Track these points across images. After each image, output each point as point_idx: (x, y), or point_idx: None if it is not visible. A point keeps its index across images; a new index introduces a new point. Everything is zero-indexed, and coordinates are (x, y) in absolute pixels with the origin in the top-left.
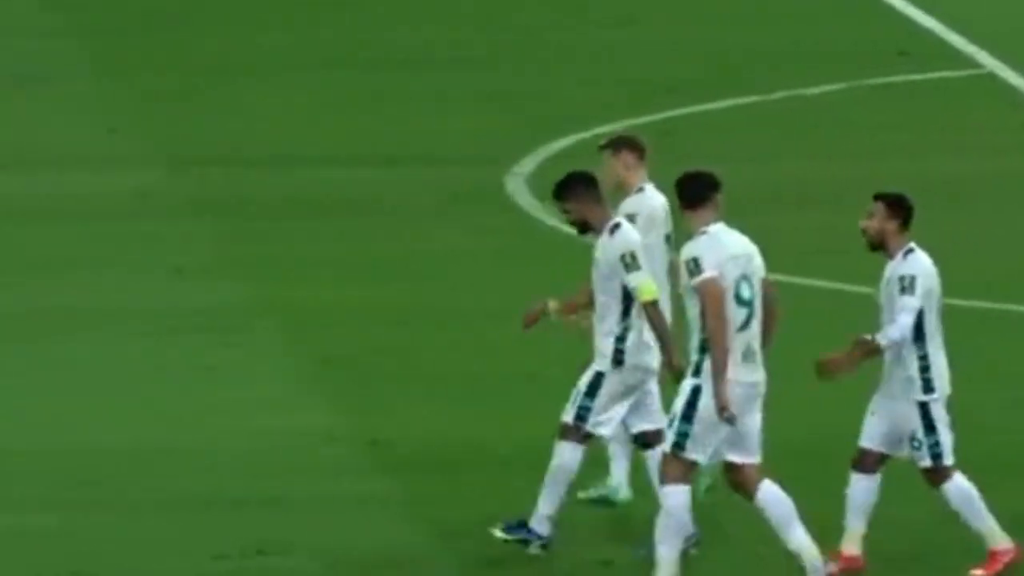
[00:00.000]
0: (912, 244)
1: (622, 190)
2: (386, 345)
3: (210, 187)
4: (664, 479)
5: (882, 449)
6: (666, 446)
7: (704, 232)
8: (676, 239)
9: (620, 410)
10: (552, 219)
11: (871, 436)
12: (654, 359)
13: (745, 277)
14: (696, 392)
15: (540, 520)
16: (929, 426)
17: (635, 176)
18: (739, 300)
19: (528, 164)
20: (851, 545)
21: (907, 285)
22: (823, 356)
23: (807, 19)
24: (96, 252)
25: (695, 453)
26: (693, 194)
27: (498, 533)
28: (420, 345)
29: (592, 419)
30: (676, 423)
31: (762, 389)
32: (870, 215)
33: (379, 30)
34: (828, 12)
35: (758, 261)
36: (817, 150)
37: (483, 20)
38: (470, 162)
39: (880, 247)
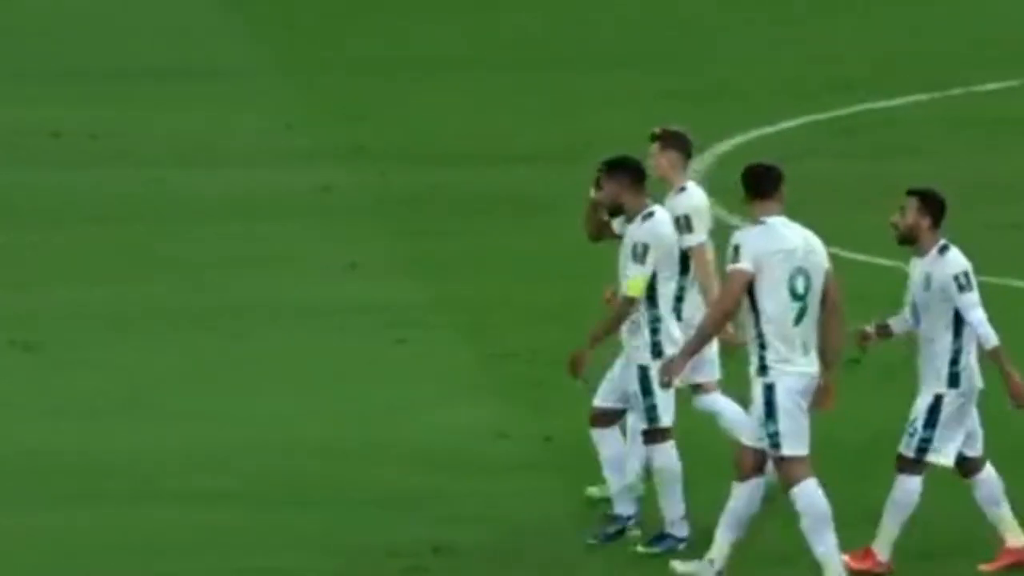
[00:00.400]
0: (944, 240)
1: (664, 183)
2: (559, 342)
3: (387, 184)
4: (786, 482)
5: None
6: (769, 450)
7: (762, 222)
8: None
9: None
10: (732, 216)
11: None
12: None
13: (801, 271)
14: (770, 390)
15: (673, 524)
16: (931, 420)
17: (679, 175)
18: (793, 294)
19: (704, 161)
20: (881, 548)
21: (964, 282)
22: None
23: (986, 17)
24: (275, 248)
25: (795, 449)
26: (761, 185)
27: (641, 549)
28: None
29: (660, 414)
30: (765, 427)
31: (813, 382)
32: (902, 211)
33: (554, 29)
34: (1009, 9)
35: (819, 257)
36: (994, 144)
37: (655, 18)
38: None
39: (911, 242)
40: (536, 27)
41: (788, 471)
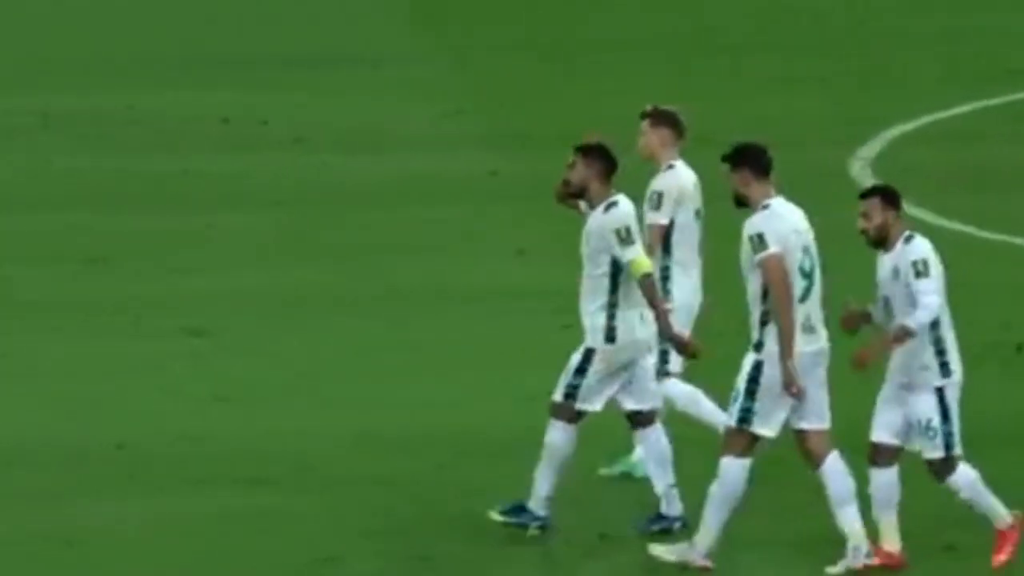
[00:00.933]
0: (908, 230)
1: (653, 162)
2: (724, 328)
3: (552, 169)
4: (726, 450)
5: (895, 442)
6: (730, 421)
7: (767, 206)
8: (707, 214)
9: (612, 387)
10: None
11: (882, 429)
12: (648, 335)
13: (806, 249)
14: (758, 368)
15: (538, 501)
16: (944, 413)
17: (668, 153)
18: (801, 272)
19: (873, 147)
20: (889, 541)
21: (921, 269)
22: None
23: None
24: (442, 234)
25: (761, 428)
26: (763, 164)
27: (496, 516)
28: None
29: (582, 396)
30: (740, 399)
31: (825, 358)
32: (865, 215)
33: (725, 15)
34: None
35: (811, 234)
36: None
37: (825, 6)
38: (814, 145)
39: (882, 243)
40: (705, 13)
41: (733, 441)
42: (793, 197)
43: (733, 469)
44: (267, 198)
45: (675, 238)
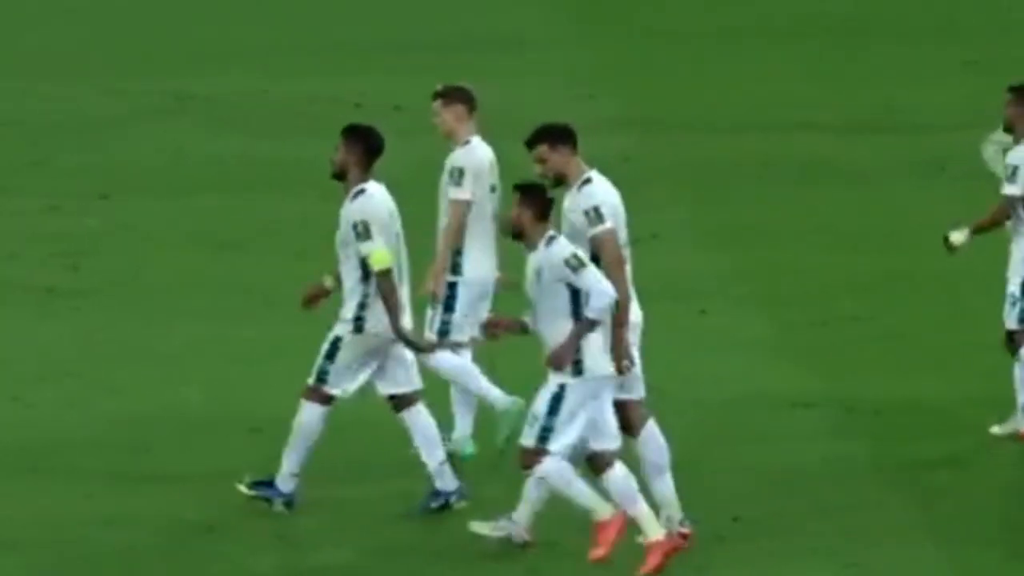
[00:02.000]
0: (553, 232)
1: (451, 140)
2: (859, 312)
3: (684, 153)
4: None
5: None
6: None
7: (589, 180)
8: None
9: (364, 373)
10: None
11: None
12: (404, 322)
13: (623, 221)
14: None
15: (284, 478)
16: (553, 408)
17: (464, 128)
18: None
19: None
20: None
21: (575, 263)
22: None
23: None
24: None
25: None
26: (575, 140)
27: (243, 489)
28: (894, 312)
29: (332, 381)
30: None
31: (639, 330)
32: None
33: (855, 1)
34: None
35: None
36: None
37: None
38: (948, 130)
39: (519, 237)
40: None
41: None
42: (927, 181)
43: (647, 437)
44: (400, 182)
45: (471, 213)
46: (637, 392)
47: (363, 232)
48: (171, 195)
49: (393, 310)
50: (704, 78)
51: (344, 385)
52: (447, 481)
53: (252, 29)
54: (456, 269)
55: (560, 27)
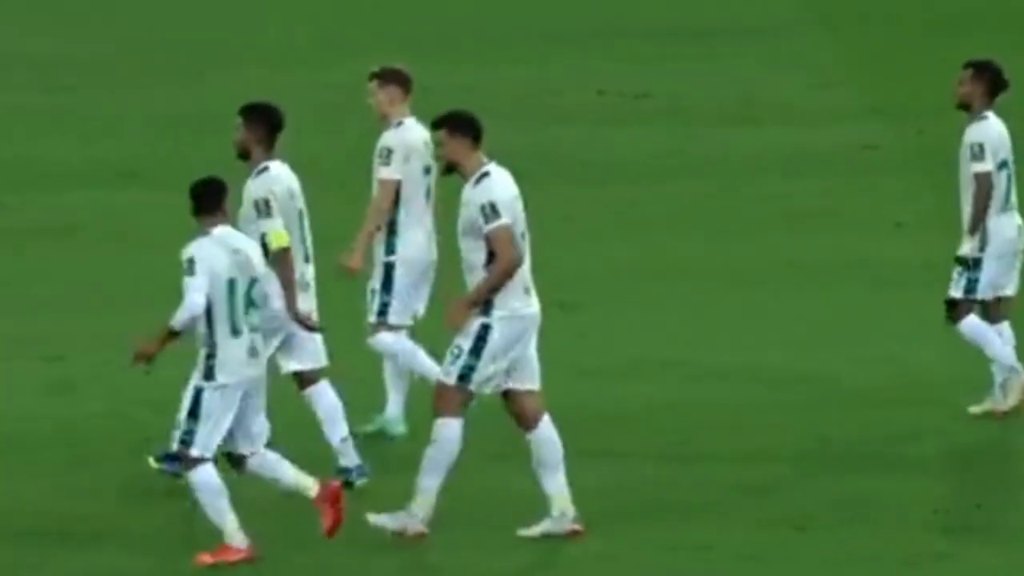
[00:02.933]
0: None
1: (384, 121)
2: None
3: (928, 141)
4: (441, 411)
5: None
6: (448, 379)
7: (487, 175)
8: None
9: (268, 350)
10: None
11: None
12: (302, 302)
13: (521, 212)
14: (486, 329)
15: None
16: (192, 411)
17: (397, 110)
18: (522, 235)
19: None
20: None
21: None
22: None
23: None
24: (817, 206)
25: (480, 386)
26: (477, 132)
27: (152, 463)
28: None
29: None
30: (463, 358)
31: (538, 321)
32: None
33: None
34: None
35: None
36: None
37: None
38: None
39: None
40: None
41: (447, 401)
42: None
43: (449, 428)
44: (639, 171)
45: (404, 193)
46: (531, 383)
47: (264, 210)
48: None
49: (289, 288)
50: (948, 65)
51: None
52: (350, 458)
53: (485, 16)
54: (391, 249)
55: (801, 15)
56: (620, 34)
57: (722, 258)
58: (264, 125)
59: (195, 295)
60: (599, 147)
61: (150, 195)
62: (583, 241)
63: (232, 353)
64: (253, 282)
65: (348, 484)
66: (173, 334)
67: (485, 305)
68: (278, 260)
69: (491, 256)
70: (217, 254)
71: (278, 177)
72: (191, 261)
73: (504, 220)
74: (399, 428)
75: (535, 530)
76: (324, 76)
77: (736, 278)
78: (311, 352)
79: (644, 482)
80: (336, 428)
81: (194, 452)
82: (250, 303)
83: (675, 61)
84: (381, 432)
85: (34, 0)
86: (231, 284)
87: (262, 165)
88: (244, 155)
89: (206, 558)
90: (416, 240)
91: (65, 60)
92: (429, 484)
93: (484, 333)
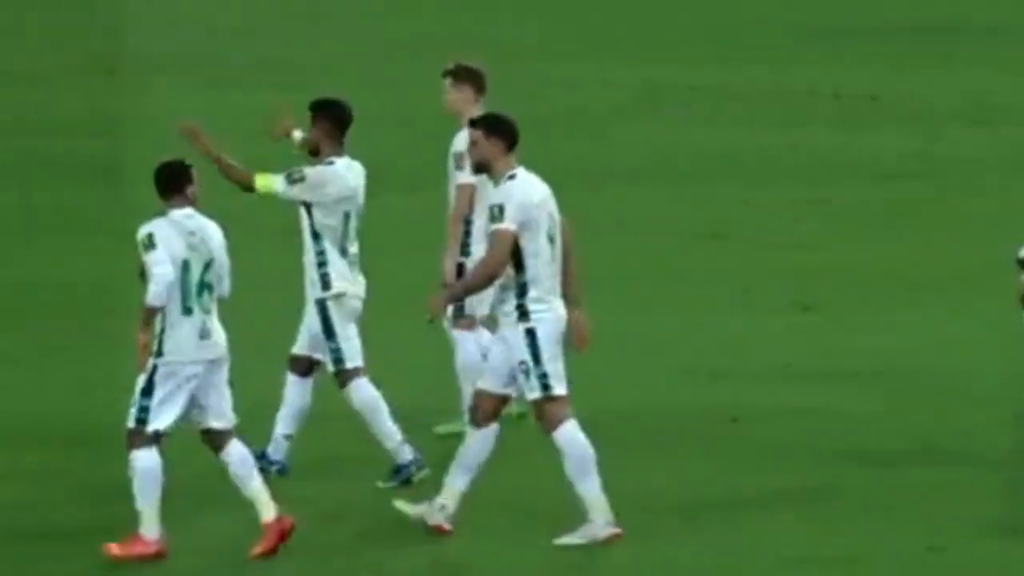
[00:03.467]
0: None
1: (458, 120)
2: None
3: None
4: (548, 429)
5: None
6: (535, 394)
7: (512, 177)
8: None
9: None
10: None
11: None
12: (351, 282)
13: (551, 216)
14: (532, 334)
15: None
16: (145, 389)
17: (469, 109)
18: (549, 239)
19: None
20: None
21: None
22: None
23: None
24: None
25: (559, 389)
26: (511, 138)
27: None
28: None
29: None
30: (532, 370)
31: (563, 325)
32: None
33: None
34: None
35: (554, 203)
36: None
37: None
38: None
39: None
40: None
41: (551, 412)
42: None
43: (567, 432)
44: (876, 172)
45: (478, 196)
46: (492, 385)
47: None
48: (646, 184)
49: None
50: None
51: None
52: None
53: (721, 18)
54: (466, 252)
55: None
56: (852, 33)
57: (954, 261)
58: (332, 120)
59: (161, 267)
60: (834, 149)
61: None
62: (831, 241)
63: (182, 332)
64: (208, 264)
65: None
66: (152, 311)
67: (521, 312)
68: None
69: (516, 260)
70: (172, 235)
71: (337, 171)
72: (150, 236)
73: (507, 225)
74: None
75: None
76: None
77: (974, 283)
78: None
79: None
80: (289, 423)
81: (149, 428)
82: (204, 285)
83: (907, 61)
84: (461, 434)
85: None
86: (185, 264)
87: (328, 160)
88: (313, 151)
89: (114, 549)
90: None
91: (299, 60)
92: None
93: (532, 339)
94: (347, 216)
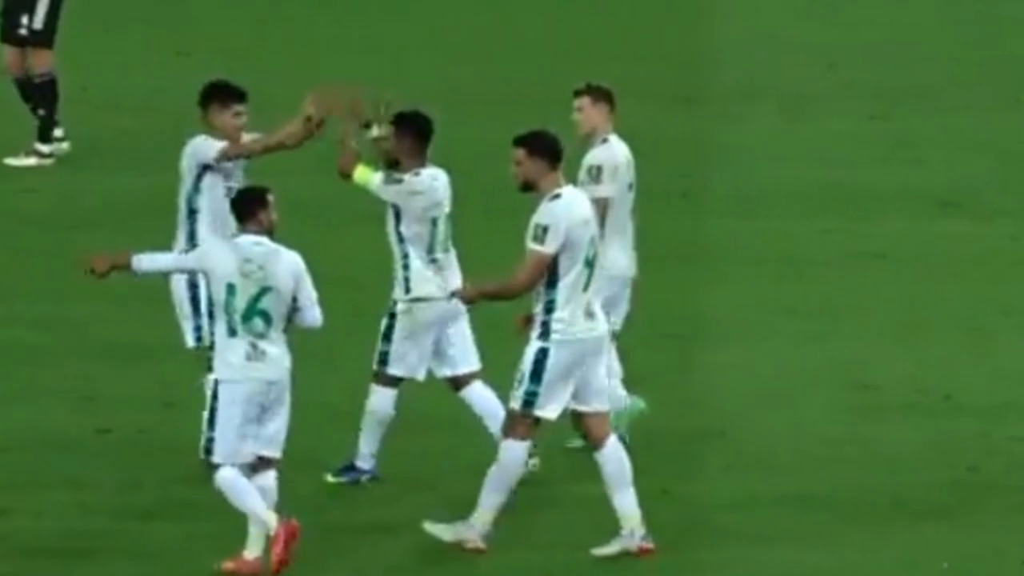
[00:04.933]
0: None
1: (591, 138)
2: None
3: None
4: (507, 435)
5: None
6: (514, 404)
7: (557, 196)
8: None
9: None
10: None
11: None
12: (451, 278)
13: (592, 240)
14: (544, 353)
15: (363, 458)
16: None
17: (603, 127)
18: (586, 262)
19: None
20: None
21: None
22: None
23: None
24: None
25: (544, 411)
26: (555, 155)
27: (329, 478)
28: None
29: (392, 362)
30: (525, 383)
31: (605, 343)
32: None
33: None
34: None
35: (595, 224)
36: None
37: None
38: None
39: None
40: None
41: (515, 425)
42: None
43: (513, 451)
44: None
45: (610, 210)
46: (597, 405)
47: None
48: None
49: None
50: None
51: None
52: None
53: None
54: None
55: None
56: None
57: None
58: (411, 134)
59: (170, 256)
60: None
61: (967, 225)
62: None
63: (231, 352)
64: (263, 291)
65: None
66: (125, 266)
67: (543, 329)
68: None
69: (551, 277)
70: (226, 257)
71: (424, 181)
72: (196, 247)
73: (544, 248)
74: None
75: (609, 549)
76: None
77: None
78: (463, 355)
79: None
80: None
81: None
82: (257, 311)
83: None
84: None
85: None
86: (230, 288)
87: (414, 171)
88: (392, 164)
89: (228, 565)
90: (615, 256)
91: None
92: (490, 502)
93: (542, 357)
94: (434, 222)
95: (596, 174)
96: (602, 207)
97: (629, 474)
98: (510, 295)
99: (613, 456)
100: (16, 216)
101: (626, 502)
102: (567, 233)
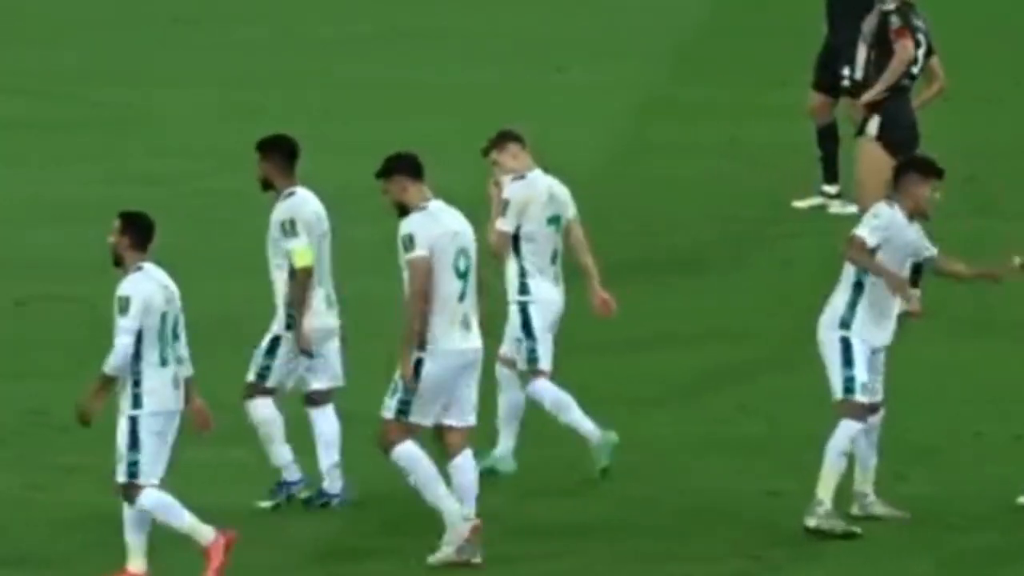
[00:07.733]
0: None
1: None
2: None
3: None
4: (387, 445)
5: None
6: (387, 413)
7: (423, 208)
8: None
9: (300, 368)
10: None
11: None
12: (333, 320)
13: (462, 251)
14: (419, 363)
15: (288, 471)
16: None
17: (522, 163)
18: (457, 273)
19: None
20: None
21: (122, 306)
22: None
23: None
24: None
25: (416, 418)
26: (416, 168)
27: (264, 504)
28: None
29: (273, 377)
30: (399, 392)
31: (477, 356)
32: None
33: None
34: None
35: (471, 236)
36: None
37: None
38: None
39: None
40: None
41: (393, 433)
42: None
43: (405, 452)
44: None
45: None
46: (464, 420)
47: (289, 230)
48: None
49: (299, 307)
50: None
51: (282, 380)
52: (334, 484)
53: None
54: (524, 290)
55: None
56: None
57: None
58: (280, 155)
59: (125, 338)
60: None
61: None
62: None
63: (158, 382)
64: (177, 315)
65: (326, 505)
66: (108, 380)
67: (420, 340)
68: (298, 278)
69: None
70: (153, 289)
71: (306, 200)
72: (127, 300)
73: (415, 252)
74: (509, 466)
75: (444, 553)
76: None
77: None
78: (333, 374)
79: None
80: (330, 452)
81: (141, 481)
82: (175, 336)
83: None
84: (491, 469)
85: None
86: (163, 317)
87: (288, 191)
88: (267, 186)
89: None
90: (541, 285)
91: None
92: (434, 500)
93: (417, 368)
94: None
95: (504, 209)
96: (502, 240)
97: (476, 487)
98: (413, 318)
99: (468, 467)
100: None
101: (454, 507)
102: (433, 242)
